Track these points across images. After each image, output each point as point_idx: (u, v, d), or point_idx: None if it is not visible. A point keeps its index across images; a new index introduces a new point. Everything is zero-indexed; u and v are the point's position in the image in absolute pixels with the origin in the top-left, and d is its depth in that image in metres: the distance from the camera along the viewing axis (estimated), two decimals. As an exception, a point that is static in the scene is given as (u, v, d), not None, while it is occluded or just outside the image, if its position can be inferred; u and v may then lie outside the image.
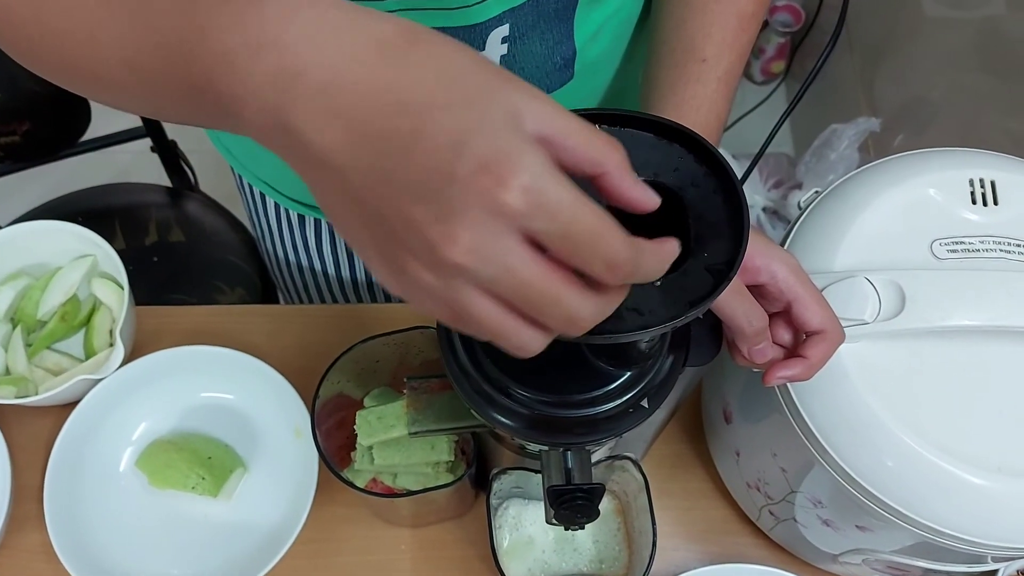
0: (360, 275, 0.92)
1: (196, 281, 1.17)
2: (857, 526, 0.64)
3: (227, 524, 0.78)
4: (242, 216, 1.15)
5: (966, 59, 1.41)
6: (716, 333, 0.56)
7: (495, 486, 0.66)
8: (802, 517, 0.70)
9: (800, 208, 0.68)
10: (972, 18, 1.45)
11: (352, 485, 0.65)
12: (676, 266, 0.43)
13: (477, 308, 0.31)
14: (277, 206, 0.85)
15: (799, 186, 1.42)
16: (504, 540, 0.71)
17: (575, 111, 0.35)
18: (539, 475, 0.65)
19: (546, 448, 0.55)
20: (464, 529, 0.80)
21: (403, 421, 0.64)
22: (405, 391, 0.63)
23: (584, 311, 0.33)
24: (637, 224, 0.46)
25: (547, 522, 0.59)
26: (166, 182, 1.30)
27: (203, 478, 0.76)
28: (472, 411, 0.54)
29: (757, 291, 0.54)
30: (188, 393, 0.81)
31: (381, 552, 0.79)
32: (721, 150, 0.46)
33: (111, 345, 0.80)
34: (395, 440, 0.71)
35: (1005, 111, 1.28)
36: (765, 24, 1.92)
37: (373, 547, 0.79)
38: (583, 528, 0.59)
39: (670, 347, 0.54)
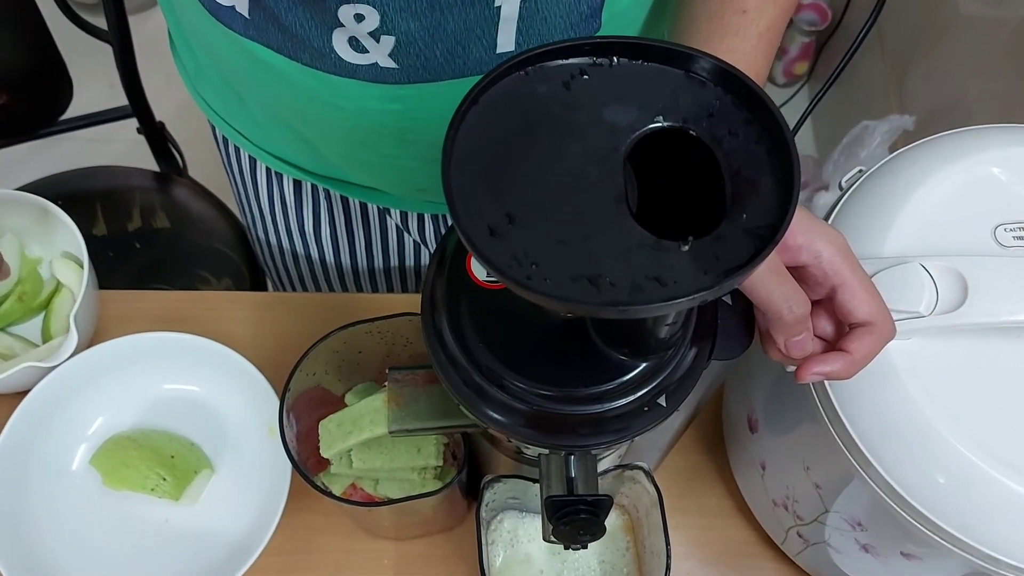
0: (350, 261, 0.84)
1: (180, 270, 1.10)
2: (902, 553, 0.56)
3: (190, 531, 0.70)
4: (232, 204, 1.08)
5: (1002, 60, 1.34)
6: (748, 321, 0.48)
7: (487, 496, 0.58)
8: (836, 541, 0.61)
9: (841, 188, 0.60)
10: (1009, 18, 1.37)
11: (326, 492, 0.57)
12: (708, 229, 0.35)
13: None
14: (254, 164, 0.77)
15: (825, 187, 1.34)
16: (497, 558, 0.63)
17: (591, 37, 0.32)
18: (538, 485, 0.57)
19: (546, 452, 0.47)
20: (454, 544, 0.72)
21: (381, 419, 0.56)
22: (386, 384, 0.55)
23: None
24: (666, 181, 0.38)
25: (544, 539, 0.51)
26: (154, 167, 1.22)
27: (164, 479, 0.68)
28: (462, 406, 0.46)
29: (797, 274, 0.46)
30: (151, 385, 0.73)
31: (360, 567, 0.71)
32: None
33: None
34: (377, 442, 0.63)
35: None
36: (789, 23, 1.85)
37: (352, 561, 0.71)
38: (586, 547, 0.50)
39: (694, 337, 0.46)
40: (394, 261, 0.83)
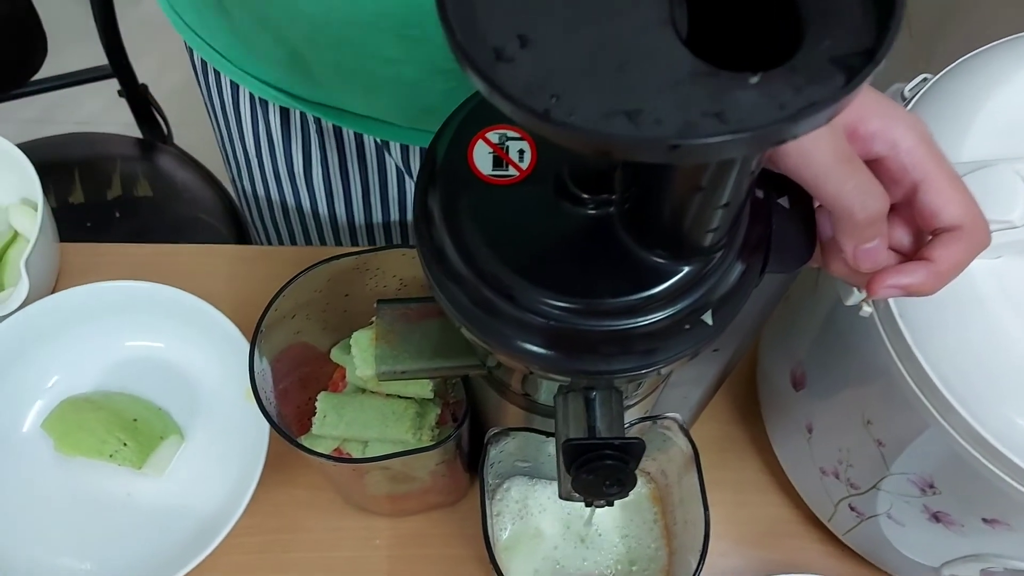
0: (345, 213, 0.75)
1: (161, 239, 1.02)
2: (984, 520, 0.47)
3: (157, 505, 0.62)
4: (220, 173, 1.00)
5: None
6: (808, 228, 0.40)
7: (492, 453, 0.49)
8: (899, 512, 0.53)
9: (904, 98, 0.52)
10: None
11: (303, 447, 0.49)
12: (780, 59, 0.27)
13: None
14: (237, 93, 0.68)
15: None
16: (503, 531, 0.54)
17: None
18: (551, 440, 0.48)
19: (563, 379, 0.39)
20: (455, 521, 0.63)
21: (368, 357, 0.48)
22: (374, 319, 0.47)
23: None
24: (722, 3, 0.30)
25: (561, 496, 0.42)
26: (137, 134, 1.15)
27: (124, 444, 0.60)
28: (465, 331, 0.38)
29: (870, 169, 0.38)
30: (113, 342, 0.65)
31: (349, 546, 0.62)
32: None
33: (24, 281, 0.64)
34: (361, 401, 0.55)
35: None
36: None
37: (340, 540, 0.63)
38: (611, 504, 0.42)
39: (744, 245, 0.38)
40: (394, 214, 0.75)
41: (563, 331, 0.36)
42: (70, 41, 1.12)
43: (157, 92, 1.13)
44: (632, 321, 0.35)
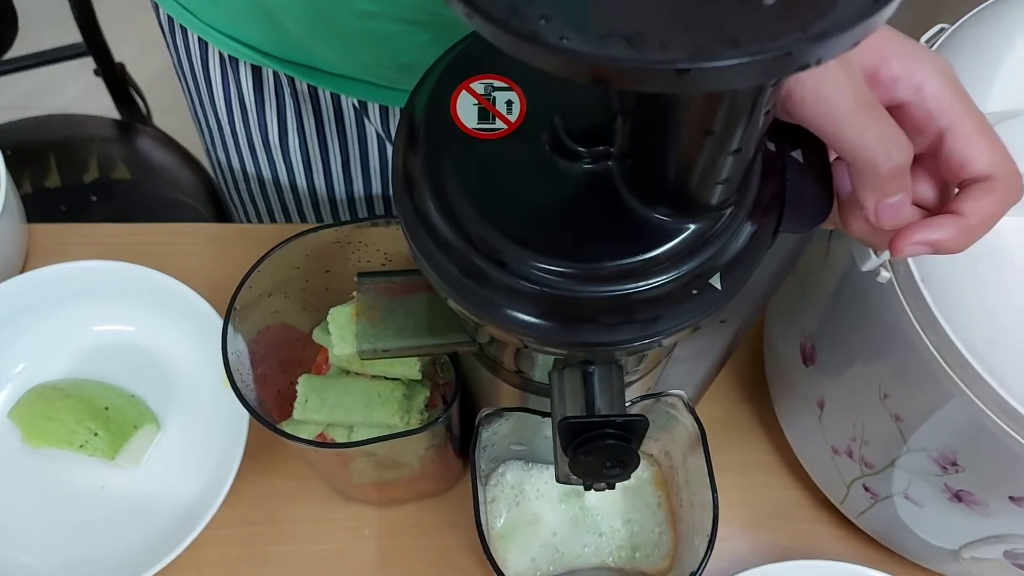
0: (324, 185, 0.71)
1: (139, 223, 0.98)
2: (1011, 498, 0.44)
3: (133, 497, 0.59)
4: (200, 154, 0.97)
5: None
6: (824, 183, 0.36)
7: (484, 436, 0.46)
8: (916, 491, 0.50)
9: (920, 50, 0.48)
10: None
11: (283, 433, 0.46)
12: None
13: None
14: (206, 52, 0.64)
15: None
16: (498, 519, 0.51)
17: None
18: (547, 420, 0.45)
19: (560, 353, 0.36)
20: (448, 509, 0.60)
21: (347, 335, 0.45)
22: (355, 293, 0.44)
23: None
24: None
25: (558, 480, 0.39)
26: (115, 115, 1.11)
27: (95, 434, 0.56)
28: (452, 303, 0.34)
29: (893, 116, 0.35)
30: (83, 326, 0.61)
31: (336, 538, 0.59)
32: None
33: (-12, 263, 0.61)
34: (345, 383, 0.52)
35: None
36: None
37: (326, 532, 0.59)
38: (612, 487, 0.39)
39: (757, 202, 0.35)
40: (376, 186, 0.71)
41: (559, 299, 0.32)
42: (46, 24, 1.08)
43: (138, 77, 1.09)
44: (634, 286, 0.32)
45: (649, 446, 0.52)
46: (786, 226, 0.35)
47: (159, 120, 1.14)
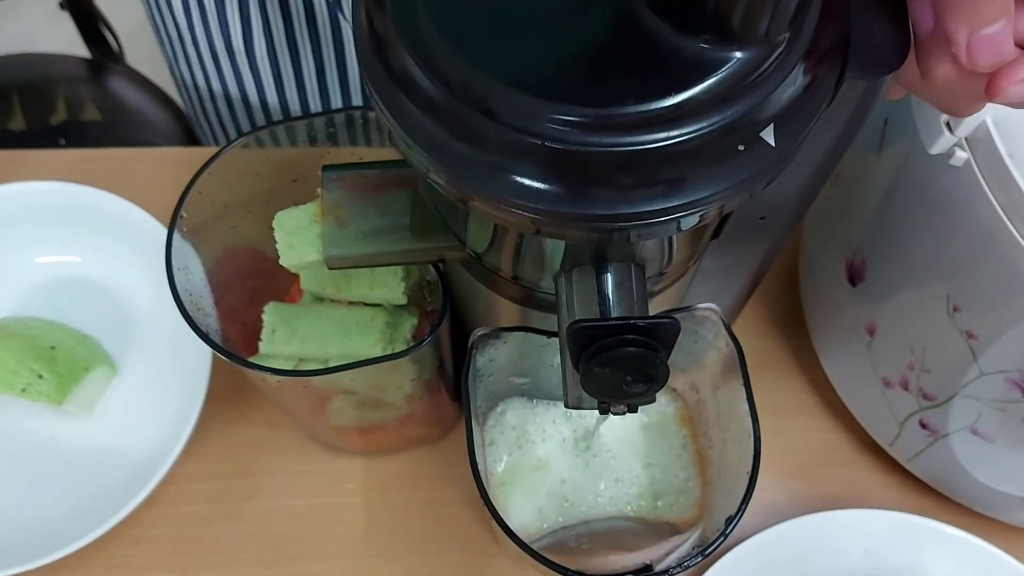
0: (299, 101, 0.64)
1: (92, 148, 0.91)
2: (1111, 425, 0.37)
3: (87, 447, 0.52)
4: (173, 92, 0.89)
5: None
6: (898, 19, 0.29)
7: (480, 361, 0.39)
8: (986, 424, 0.43)
9: None
10: None
11: (241, 360, 0.39)
12: None
13: None
14: None
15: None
16: (498, 463, 0.44)
17: None
18: (554, 342, 0.38)
19: (566, 235, 0.28)
20: (441, 459, 0.53)
21: (298, 241, 0.37)
22: (319, 190, 0.36)
23: None
24: None
25: (567, 405, 0.32)
26: (84, 52, 1.03)
27: (39, 376, 0.50)
28: (435, 178, 0.27)
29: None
30: (24, 257, 0.54)
31: (317, 491, 0.52)
32: None
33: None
34: (319, 311, 0.45)
35: None
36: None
37: (306, 485, 0.53)
38: (635, 411, 0.32)
39: (815, 43, 0.27)
40: (356, 101, 0.64)
41: (566, 155, 0.25)
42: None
43: (106, 6, 1.01)
44: (663, 135, 0.25)
45: (674, 378, 0.45)
46: (853, 71, 0.28)
47: (131, 56, 1.06)
